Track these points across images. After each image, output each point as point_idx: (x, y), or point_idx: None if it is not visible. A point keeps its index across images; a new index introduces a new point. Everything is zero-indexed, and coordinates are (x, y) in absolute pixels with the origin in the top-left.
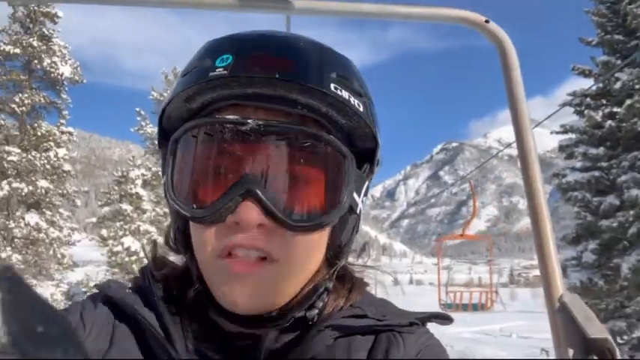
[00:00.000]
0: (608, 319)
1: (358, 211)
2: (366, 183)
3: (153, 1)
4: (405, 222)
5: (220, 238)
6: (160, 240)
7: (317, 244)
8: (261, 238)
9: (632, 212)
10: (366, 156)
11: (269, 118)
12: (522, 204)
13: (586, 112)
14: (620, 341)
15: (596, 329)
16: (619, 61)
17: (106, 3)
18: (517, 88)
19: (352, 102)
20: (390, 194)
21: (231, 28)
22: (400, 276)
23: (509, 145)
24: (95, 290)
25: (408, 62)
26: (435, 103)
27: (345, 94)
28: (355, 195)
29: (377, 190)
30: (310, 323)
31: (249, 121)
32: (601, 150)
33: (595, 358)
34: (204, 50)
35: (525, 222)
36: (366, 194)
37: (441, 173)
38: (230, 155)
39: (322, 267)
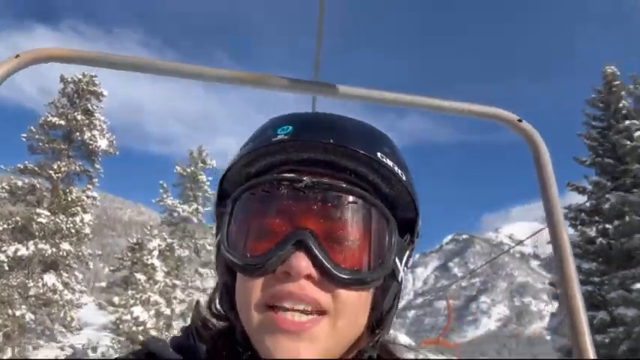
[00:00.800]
0: None
1: (400, 279)
2: (407, 252)
3: (224, 77)
4: (412, 313)
5: (268, 288)
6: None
7: (362, 302)
8: (310, 288)
9: (621, 329)
10: (407, 226)
11: (320, 180)
12: (534, 305)
13: (579, 227)
14: None
15: None
16: (609, 182)
17: (148, 72)
18: (550, 184)
19: (397, 171)
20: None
21: (255, 103)
22: None
23: (521, 242)
24: (138, 347)
25: (423, 151)
26: (448, 193)
27: (390, 162)
28: (397, 261)
29: None
30: None
31: (304, 178)
32: (593, 265)
33: None
34: (266, 123)
35: (538, 325)
36: (407, 265)
37: (451, 265)
38: (284, 210)
39: (365, 333)
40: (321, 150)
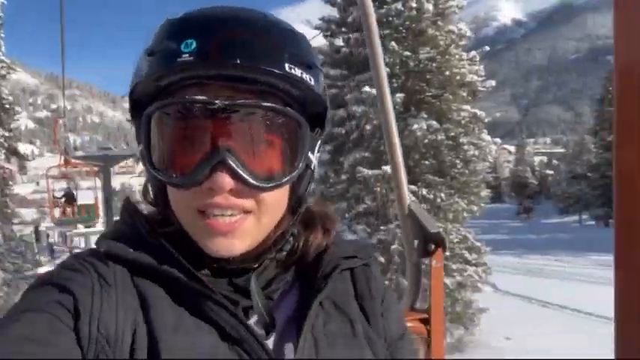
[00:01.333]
0: (336, 201)
1: (313, 167)
2: (319, 142)
3: None
4: None
5: (197, 199)
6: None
7: (282, 196)
8: (234, 198)
9: (353, 122)
10: (317, 119)
11: (233, 95)
12: None
13: (329, 38)
14: (345, 218)
15: (433, 227)
16: None
17: None
18: None
19: (304, 77)
20: None
21: None
22: None
23: None
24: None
25: None
26: None
27: (298, 71)
28: (310, 154)
29: None
30: (282, 264)
31: (216, 101)
32: (338, 72)
33: (432, 245)
34: (168, 32)
35: None
36: (318, 151)
37: None
38: (202, 130)
39: (286, 215)
40: (229, 68)
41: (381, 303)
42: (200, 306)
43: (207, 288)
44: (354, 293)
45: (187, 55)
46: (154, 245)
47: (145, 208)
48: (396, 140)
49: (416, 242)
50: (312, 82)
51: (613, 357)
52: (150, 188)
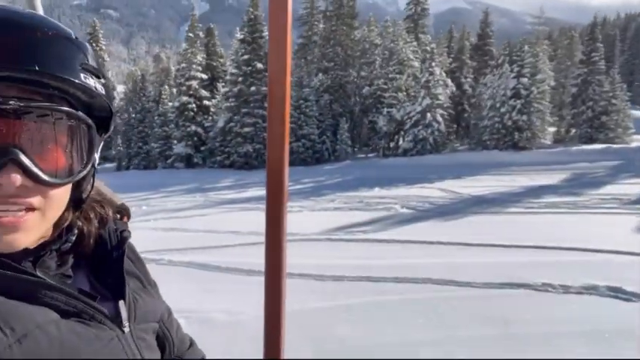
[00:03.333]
0: None
1: (95, 165)
2: (102, 143)
3: None
4: None
5: None
6: None
7: (66, 193)
8: (22, 195)
9: None
10: (103, 124)
11: (25, 96)
12: None
13: None
14: None
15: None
16: None
17: None
18: None
19: (96, 87)
20: None
21: None
22: None
23: None
24: None
25: None
26: None
27: (91, 81)
28: (95, 154)
29: None
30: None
31: (10, 102)
32: None
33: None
34: None
35: None
36: (98, 150)
37: None
38: None
39: (69, 208)
40: (24, 73)
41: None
42: (30, 293)
43: (32, 275)
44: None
45: None
46: None
47: None
48: None
49: None
50: (103, 92)
51: None
52: None
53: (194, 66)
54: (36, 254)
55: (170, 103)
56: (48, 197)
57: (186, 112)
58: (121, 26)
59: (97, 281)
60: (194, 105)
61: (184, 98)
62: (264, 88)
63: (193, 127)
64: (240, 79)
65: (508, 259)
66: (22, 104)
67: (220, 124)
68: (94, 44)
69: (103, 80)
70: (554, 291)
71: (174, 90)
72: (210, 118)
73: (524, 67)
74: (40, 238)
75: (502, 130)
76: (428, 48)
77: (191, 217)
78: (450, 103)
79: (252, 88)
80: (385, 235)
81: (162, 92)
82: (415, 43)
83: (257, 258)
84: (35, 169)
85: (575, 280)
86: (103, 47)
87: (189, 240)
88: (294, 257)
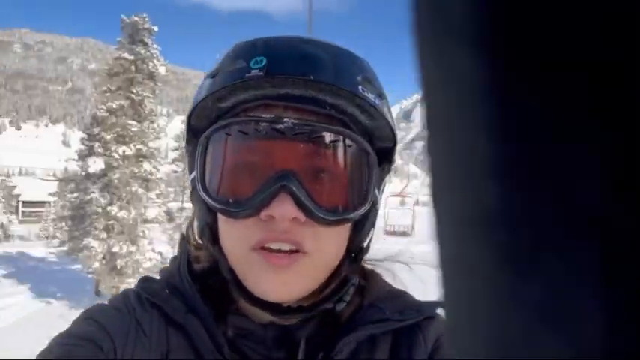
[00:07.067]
0: None
1: (377, 208)
2: (384, 180)
3: None
4: (420, 144)
5: (255, 231)
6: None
7: (342, 238)
8: (294, 232)
9: None
10: (385, 155)
11: (300, 118)
12: None
13: None
14: None
15: None
16: None
17: None
18: None
19: (377, 103)
20: (407, 115)
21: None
22: (409, 199)
23: None
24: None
25: None
26: None
27: (371, 95)
28: (376, 192)
29: (393, 110)
30: (338, 319)
31: (284, 120)
32: None
33: None
34: (236, 52)
35: None
36: (383, 190)
37: None
38: (265, 153)
39: (344, 261)
40: (299, 85)
41: None
42: None
43: (217, 351)
44: None
45: (257, 70)
46: (187, 290)
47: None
48: None
49: None
50: (385, 110)
51: None
52: (195, 226)
53: None
54: (304, 310)
55: None
56: (319, 238)
57: None
58: None
59: None
60: None
61: None
62: None
63: None
64: None
65: None
66: (296, 122)
67: None
68: None
69: (384, 100)
70: None
71: None
72: None
73: None
74: (310, 290)
75: None
76: None
77: None
78: None
79: None
80: None
81: None
82: None
83: None
84: (309, 201)
85: None
86: None
87: None
88: None
